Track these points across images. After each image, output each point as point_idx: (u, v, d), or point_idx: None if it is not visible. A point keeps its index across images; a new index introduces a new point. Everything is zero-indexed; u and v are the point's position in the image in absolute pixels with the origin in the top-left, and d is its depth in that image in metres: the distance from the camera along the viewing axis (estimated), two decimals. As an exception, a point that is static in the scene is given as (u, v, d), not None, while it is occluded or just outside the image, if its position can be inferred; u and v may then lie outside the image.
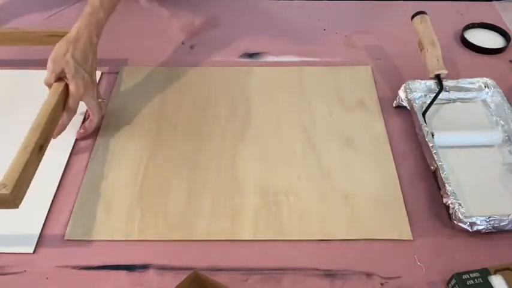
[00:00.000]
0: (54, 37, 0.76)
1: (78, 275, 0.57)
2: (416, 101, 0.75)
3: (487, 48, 0.89)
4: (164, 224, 0.62)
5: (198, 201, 0.64)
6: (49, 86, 0.68)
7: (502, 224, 0.59)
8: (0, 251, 0.59)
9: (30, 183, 0.58)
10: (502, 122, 0.73)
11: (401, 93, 0.76)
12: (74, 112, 0.69)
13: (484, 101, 0.78)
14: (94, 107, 0.70)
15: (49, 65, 0.68)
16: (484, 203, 0.63)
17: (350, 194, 0.66)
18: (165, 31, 0.94)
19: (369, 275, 0.57)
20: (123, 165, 0.69)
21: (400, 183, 0.67)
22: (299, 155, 0.70)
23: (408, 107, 0.75)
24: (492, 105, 0.76)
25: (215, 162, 0.69)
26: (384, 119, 0.76)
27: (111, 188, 0.66)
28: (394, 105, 0.78)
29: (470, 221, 0.58)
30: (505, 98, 0.75)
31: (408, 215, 0.63)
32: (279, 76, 0.83)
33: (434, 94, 0.75)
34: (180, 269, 0.58)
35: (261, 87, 0.81)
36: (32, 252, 0.59)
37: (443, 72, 0.76)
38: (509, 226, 0.59)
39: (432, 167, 0.65)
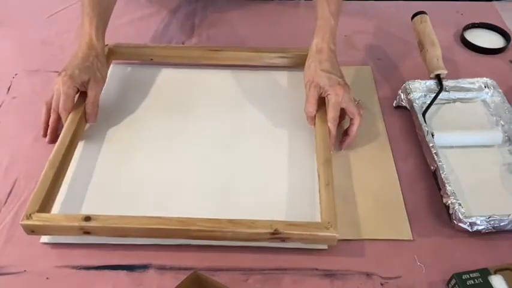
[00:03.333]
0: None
1: (78, 275, 0.57)
2: (416, 101, 0.75)
3: (487, 48, 0.89)
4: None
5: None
6: (313, 117, 0.70)
7: (502, 224, 0.59)
8: None
9: None
10: (502, 122, 0.73)
11: (402, 93, 0.76)
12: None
13: (484, 101, 0.78)
14: (354, 109, 0.69)
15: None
16: (484, 203, 0.63)
17: (350, 194, 0.66)
18: (165, 31, 0.94)
19: (369, 275, 0.57)
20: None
21: (400, 183, 0.67)
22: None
23: (408, 107, 0.75)
24: (492, 105, 0.76)
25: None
26: (384, 119, 0.76)
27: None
28: (394, 105, 0.78)
29: (470, 221, 0.58)
30: (505, 98, 0.75)
31: (408, 215, 0.63)
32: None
33: (434, 94, 0.75)
34: (180, 269, 0.58)
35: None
36: None
37: (443, 72, 0.76)
38: (509, 226, 0.59)
39: (432, 167, 0.65)
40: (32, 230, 0.58)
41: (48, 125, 0.71)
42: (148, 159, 0.70)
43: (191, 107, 0.78)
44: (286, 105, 0.78)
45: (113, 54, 0.83)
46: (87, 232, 0.57)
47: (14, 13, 0.99)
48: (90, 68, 0.71)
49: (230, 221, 0.57)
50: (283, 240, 0.57)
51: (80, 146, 0.71)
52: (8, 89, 0.81)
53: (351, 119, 0.69)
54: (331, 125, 0.68)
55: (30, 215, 0.57)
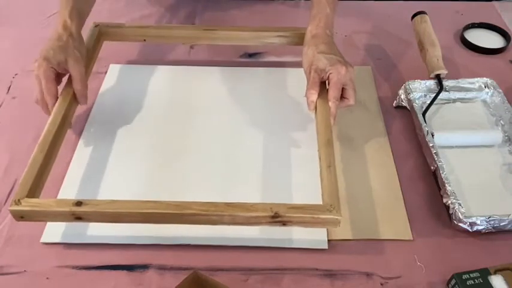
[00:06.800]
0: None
1: (78, 275, 0.57)
2: (416, 101, 0.75)
3: (487, 48, 0.89)
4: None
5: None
6: (314, 102, 0.68)
7: (502, 224, 0.59)
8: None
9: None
10: (502, 122, 0.73)
11: (402, 93, 0.76)
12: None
13: (484, 101, 0.78)
14: (352, 92, 0.67)
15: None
16: (484, 203, 0.63)
17: (350, 194, 0.66)
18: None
19: (369, 275, 0.57)
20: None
21: (400, 183, 0.67)
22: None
23: (408, 107, 0.75)
24: (492, 105, 0.76)
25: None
26: (383, 119, 0.76)
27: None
28: (394, 105, 0.78)
29: (470, 221, 0.58)
30: (505, 98, 0.75)
31: (408, 215, 0.63)
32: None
33: (434, 94, 0.75)
34: (180, 269, 0.58)
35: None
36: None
37: (443, 72, 0.76)
38: (509, 226, 0.59)
39: (432, 167, 0.65)
40: (21, 216, 0.55)
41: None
42: (148, 159, 0.70)
43: (191, 106, 0.78)
44: (286, 103, 0.78)
45: (104, 34, 0.81)
46: (78, 218, 0.55)
47: (14, 13, 0.99)
48: (64, 47, 0.68)
49: (228, 204, 0.55)
50: (284, 224, 0.55)
51: (80, 145, 0.71)
52: (8, 89, 0.81)
53: (346, 98, 0.68)
54: (333, 104, 0.65)
55: (19, 200, 0.55)
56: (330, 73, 0.67)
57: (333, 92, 0.66)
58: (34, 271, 0.58)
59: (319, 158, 0.61)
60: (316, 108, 0.68)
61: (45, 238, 0.60)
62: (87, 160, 0.69)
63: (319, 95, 0.68)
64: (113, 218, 0.56)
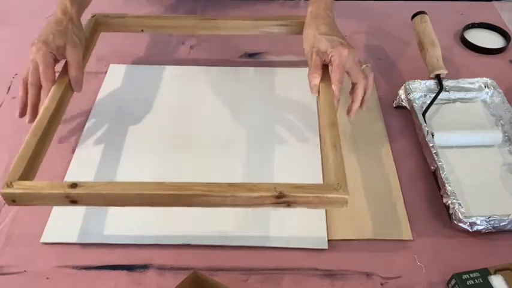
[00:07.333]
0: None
1: (78, 275, 0.57)
2: (416, 101, 0.75)
3: (487, 48, 0.89)
4: None
5: None
6: (317, 85, 0.66)
7: (502, 224, 0.59)
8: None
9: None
10: (502, 122, 0.73)
11: (402, 93, 0.76)
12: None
13: (484, 101, 0.78)
14: (358, 72, 0.66)
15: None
16: (484, 203, 0.63)
17: (350, 193, 0.65)
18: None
19: (369, 275, 0.57)
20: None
21: (400, 183, 0.67)
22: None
23: (408, 107, 0.75)
24: (492, 105, 0.76)
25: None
26: (383, 119, 0.76)
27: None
28: (394, 105, 0.78)
29: (470, 221, 0.58)
30: (505, 98, 0.75)
31: (408, 215, 0.63)
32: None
33: (434, 94, 0.75)
34: (180, 269, 0.58)
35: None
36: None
37: (443, 72, 0.76)
38: (509, 226, 0.59)
39: (432, 167, 0.65)
40: (13, 200, 0.53)
41: (26, 104, 0.65)
42: (148, 159, 0.70)
43: (191, 106, 0.78)
44: (287, 102, 0.78)
45: (101, 25, 0.80)
46: (73, 201, 0.53)
47: (14, 13, 0.99)
48: (64, 32, 0.67)
49: (230, 185, 0.53)
50: (288, 205, 0.53)
51: (80, 145, 0.71)
52: (8, 89, 0.81)
53: (354, 83, 0.66)
54: (336, 87, 0.64)
55: (11, 183, 0.53)
56: (332, 55, 0.65)
57: (336, 75, 0.64)
58: (34, 271, 0.58)
59: (323, 141, 0.59)
60: (319, 91, 0.67)
61: (45, 238, 0.60)
62: (87, 160, 0.69)
63: (321, 78, 0.67)
64: (109, 201, 0.54)
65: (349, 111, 0.67)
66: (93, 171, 0.68)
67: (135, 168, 0.69)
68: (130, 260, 0.59)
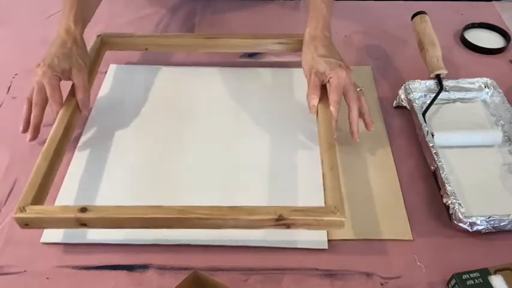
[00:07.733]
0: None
1: (78, 275, 0.57)
2: (416, 101, 0.75)
3: (487, 48, 0.89)
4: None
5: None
6: (315, 105, 0.68)
7: (502, 224, 0.59)
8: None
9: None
10: (502, 122, 0.73)
11: (402, 93, 0.76)
12: None
13: (484, 101, 0.78)
14: (352, 94, 0.68)
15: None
16: (484, 203, 0.63)
17: (350, 194, 0.66)
18: (165, 31, 0.94)
19: (369, 275, 0.57)
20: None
21: (400, 183, 0.67)
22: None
23: (408, 107, 0.75)
24: (492, 105, 0.76)
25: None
26: (383, 119, 0.76)
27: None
28: (394, 105, 0.78)
29: (470, 221, 0.58)
30: (505, 98, 0.75)
31: (408, 215, 0.63)
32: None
33: (434, 94, 0.75)
34: (180, 269, 0.58)
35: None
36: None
37: (443, 72, 0.76)
38: (509, 226, 0.59)
39: (432, 167, 0.65)
40: (26, 224, 0.55)
41: (29, 122, 0.68)
42: (148, 161, 0.70)
43: (191, 107, 0.78)
44: (287, 103, 0.78)
45: (106, 44, 0.82)
46: (83, 224, 0.55)
47: (14, 13, 0.99)
48: (69, 55, 0.69)
49: (231, 208, 0.56)
50: (288, 226, 0.55)
51: (80, 146, 0.71)
52: (8, 89, 0.82)
53: (348, 105, 0.68)
54: (334, 108, 0.66)
55: (23, 207, 0.55)
56: (330, 77, 0.67)
57: (334, 97, 0.67)
58: (34, 271, 0.58)
59: (322, 162, 0.62)
60: (317, 111, 0.69)
61: (45, 238, 0.60)
62: (86, 161, 0.69)
63: (320, 99, 0.68)
64: (117, 224, 0.56)
65: (352, 134, 0.69)
66: (93, 171, 0.68)
67: (135, 168, 0.68)
68: (130, 260, 0.59)
